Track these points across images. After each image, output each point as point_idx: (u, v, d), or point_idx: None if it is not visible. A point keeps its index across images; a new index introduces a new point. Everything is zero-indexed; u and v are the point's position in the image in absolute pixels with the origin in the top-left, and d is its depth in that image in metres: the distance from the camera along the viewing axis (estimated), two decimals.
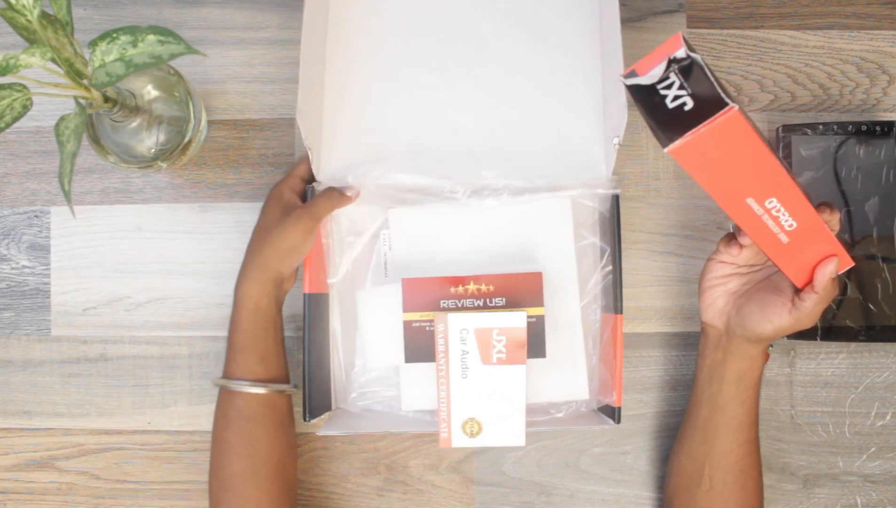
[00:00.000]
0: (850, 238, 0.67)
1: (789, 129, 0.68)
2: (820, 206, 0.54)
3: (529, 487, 0.70)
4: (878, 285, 0.67)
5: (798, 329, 0.57)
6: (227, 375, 0.62)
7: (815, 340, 0.67)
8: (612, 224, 0.64)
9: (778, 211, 0.51)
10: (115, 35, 0.52)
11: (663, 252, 0.71)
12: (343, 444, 0.71)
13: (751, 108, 0.71)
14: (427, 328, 0.64)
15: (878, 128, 0.67)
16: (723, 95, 0.45)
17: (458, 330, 0.62)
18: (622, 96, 0.59)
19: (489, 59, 0.69)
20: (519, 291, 0.64)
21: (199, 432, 0.71)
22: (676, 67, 0.45)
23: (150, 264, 0.72)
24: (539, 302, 0.64)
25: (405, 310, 0.65)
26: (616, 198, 0.64)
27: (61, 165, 0.53)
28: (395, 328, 0.66)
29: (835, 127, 0.67)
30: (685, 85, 0.45)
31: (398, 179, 0.65)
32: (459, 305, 0.64)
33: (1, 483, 0.71)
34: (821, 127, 0.67)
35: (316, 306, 0.66)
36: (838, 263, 0.55)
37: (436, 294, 0.64)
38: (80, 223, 0.72)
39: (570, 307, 0.67)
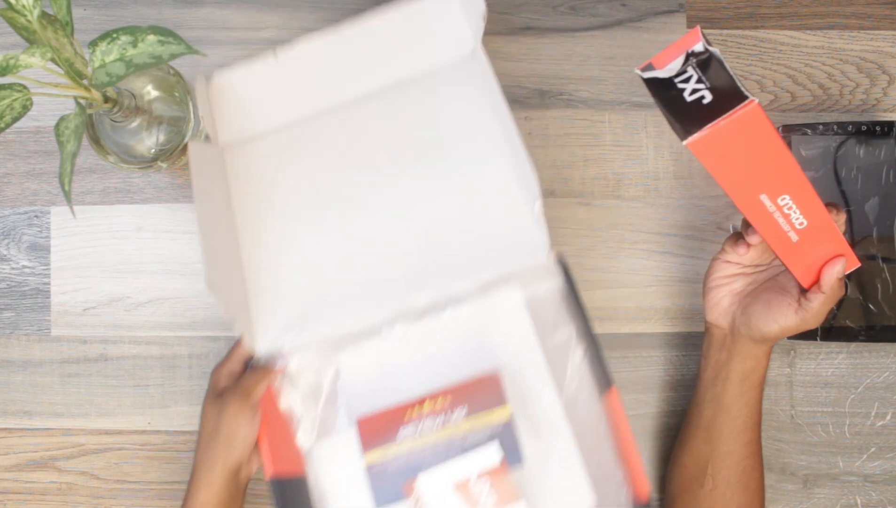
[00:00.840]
0: (850, 238, 0.67)
1: (789, 129, 0.68)
2: (827, 206, 0.54)
3: None
4: (878, 285, 0.67)
5: (804, 330, 0.57)
6: None
7: (815, 340, 0.67)
8: (571, 299, 0.60)
9: (790, 209, 0.51)
10: (115, 35, 0.52)
11: (663, 252, 0.71)
12: None
13: None
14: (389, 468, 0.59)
15: (878, 128, 0.67)
16: (743, 88, 0.45)
17: (435, 497, 0.56)
18: (529, 163, 0.57)
19: (401, 171, 0.65)
20: (478, 396, 0.59)
21: None
22: (695, 60, 0.46)
23: (150, 264, 0.72)
24: (501, 401, 0.59)
25: (364, 450, 0.59)
26: (565, 270, 0.61)
27: (61, 166, 0.53)
28: (360, 475, 0.60)
29: (835, 127, 0.67)
30: (703, 79, 0.45)
31: (337, 328, 0.62)
32: (418, 429, 0.59)
33: (1, 483, 0.71)
34: (821, 127, 0.67)
35: (288, 493, 0.59)
36: (846, 263, 0.55)
37: (393, 425, 0.59)
38: (80, 223, 0.72)
39: (547, 405, 0.60)
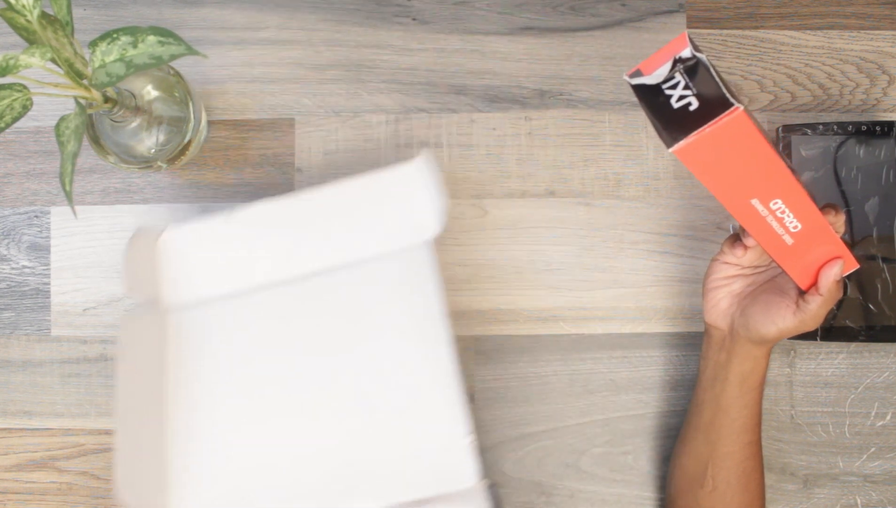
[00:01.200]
0: (850, 238, 0.67)
1: (789, 129, 0.68)
2: (825, 207, 0.54)
3: (529, 487, 0.70)
4: (878, 286, 0.67)
5: (802, 331, 0.57)
6: None
7: (815, 340, 0.67)
8: None
9: (783, 213, 0.51)
10: (115, 35, 0.52)
11: (663, 252, 0.71)
12: None
13: (751, 108, 0.71)
14: None
15: (878, 128, 0.67)
16: (728, 95, 0.44)
17: None
18: (460, 391, 0.57)
19: (335, 371, 0.61)
20: None
21: None
22: (682, 66, 0.45)
23: None
24: None
25: None
26: (496, 502, 0.57)
27: (62, 166, 0.53)
28: None
29: (835, 127, 0.67)
30: (690, 85, 0.45)
31: None
32: None
33: (1, 483, 0.71)
34: (821, 127, 0.67)
35: None
36: (843, 265, 0.55)
37: None
38: (80, 223, 0.72)
39: None
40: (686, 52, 0.45)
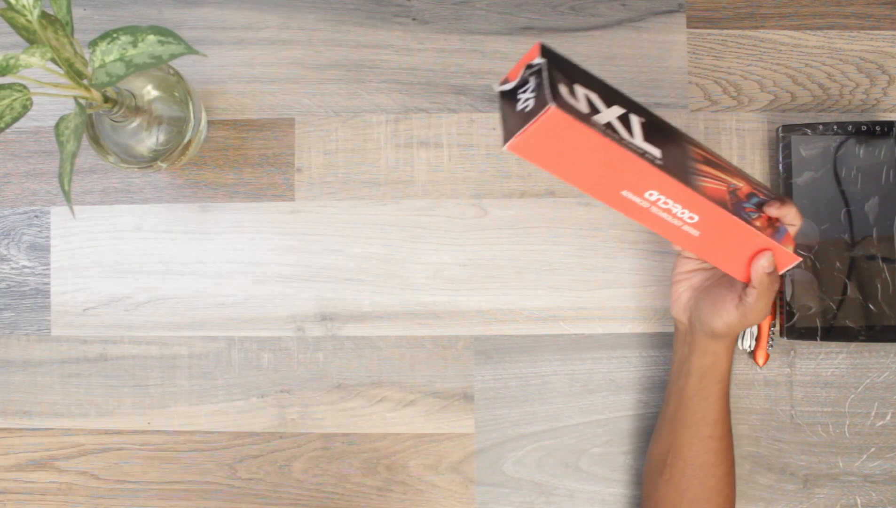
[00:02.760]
0: (850, 238, 0.67)
1: (789, 129, 0.68)
2: (771, 201, 0.54)
3: (529, 487, 0.70)
4: (878, 285, 0.67)
5: (747, 325, 0.57)
6: None
7: (815, 340, 0.67)
8: None
9: (666, 204, 0.51)
10: (115, 35, 0.52)
11: (663, 252, 0.71)
12: (343, 444, 0.71)
13: (751, 108, 0.71)
14: None
15: (878, 128, 0.67)
16: (549, 94, 0.45)
17: None
18: None
19: None
20: None
21: (199, 432, 0.71)
22: (530, 72, 0.47)
23: (150, 264, 0.72)
24: None
25: None
26: None
27: (61, 166, 0.53)
28: None
29: (835, 127, 0.67)
30: (534, 88, 0.47)
31: None
32: None
33: (1, 483, 0.71)
34: (821, 127, 0.67)
35: None
36: (772, 257, 0.54)
37: None
38: (80, 223, 0.72)
39: None
40: (537, 60, 0.47)
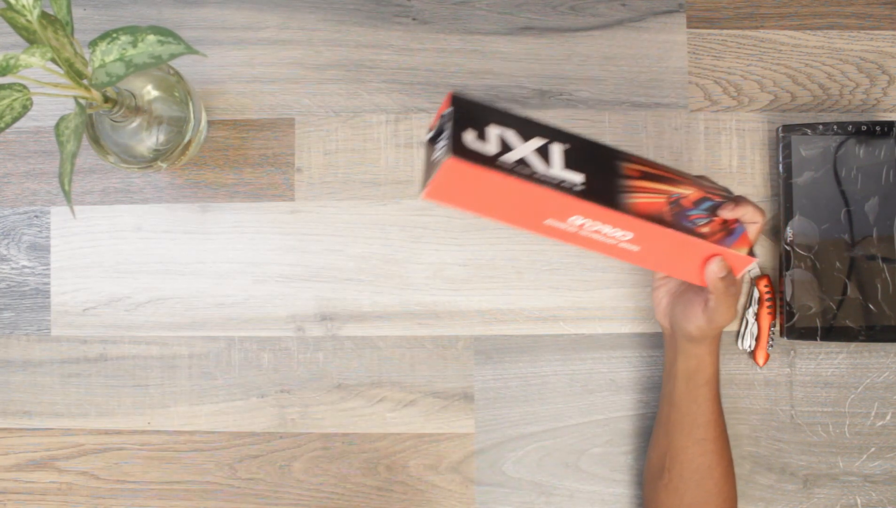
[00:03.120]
0: (850, 238, 0.67)
1: (789, 129, 0.68)
2: (725, 204, 0.55)
3: (529, 487, 0.70)
4: (878, 285, 0.67)
5: (716, 329, 0.58)
6: None
7: (815, 340, 0.67)
8: None
9: (594, 225, 0.52)
10: (115, 35, 0.52)
11: None
12: (343, 444, 0.71)
13: (751, 108, 0.71)
14: None
15: (878, 128, 0.67)
16: (449, 145, 0.47)
17: None
18: None
19: None
20: None
21: (199, 432, 0.71)
22: (443, 121, 0.50)
23: (150, 264, 0.72)
24: None
25: None
26: None
27: (61, 166, 0.53)
28: None
29: (835, 127, 0.67)
30: (445, 137, 0.49)
31: None
32: None
33: (1, 483, 0.71)
34: (821, 127, 0.67)
35: None
36: (721, 261, 0.54)
37: None
38: (80, 223, 0.72)
39: None
40: (447, 109, 0.50)
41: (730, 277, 0.55)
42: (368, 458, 0.71)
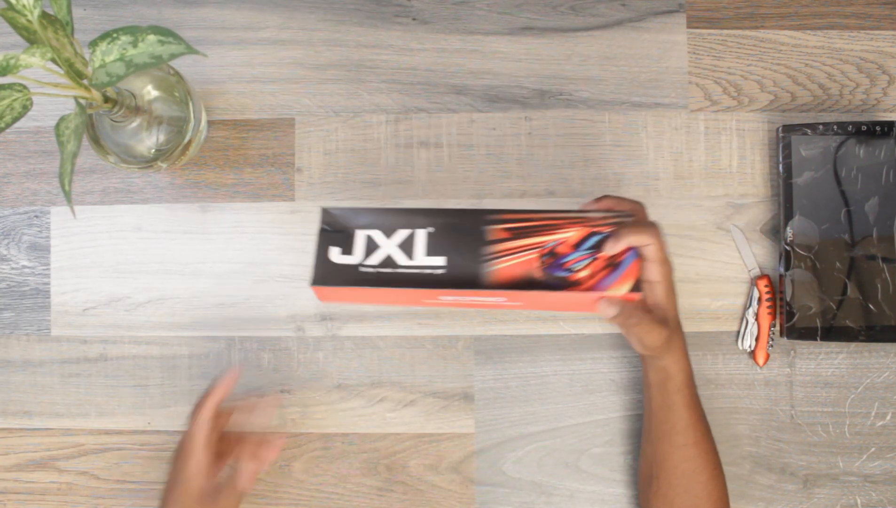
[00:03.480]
0: (850, 238, 0.67)
1: (789, 129, 0.68)
2: (608, 237, 0.53)
3: (529, 487, 0.70)
4: (878, 285, 0.67)
5: (649, 350, 0.58)
6: None
7: (815, 340, 0.67)
8: None
9: (467, 298, 0.55)
10: (115, 35, 0.52)
11: None
12: (343, 444, 0.71)
13: (751, 108, 0.71)
14: None
15: (878, 128, 0.67)
16: (313, 272, 0.54)
17: None
18: None
19: None
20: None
21: None
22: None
23: (150, 264, 0.72)
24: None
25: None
26: None
27: (62, 166, 0.53)
28: None
29: (835, 127, 0.67)
30: (314, 259, 0.55)
31: None
32: None
33: (1, 483, 0.71)
34: (821, 127, 0.67)
35: None
36: (606, 302, 0.54)
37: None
38: (80, 223, 0.72)
39: None
40: (318, 228, 0.55)
41: (625, 311, 0.54)
42: (368, 458, 0.71)
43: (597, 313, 0.55)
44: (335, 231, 0.55)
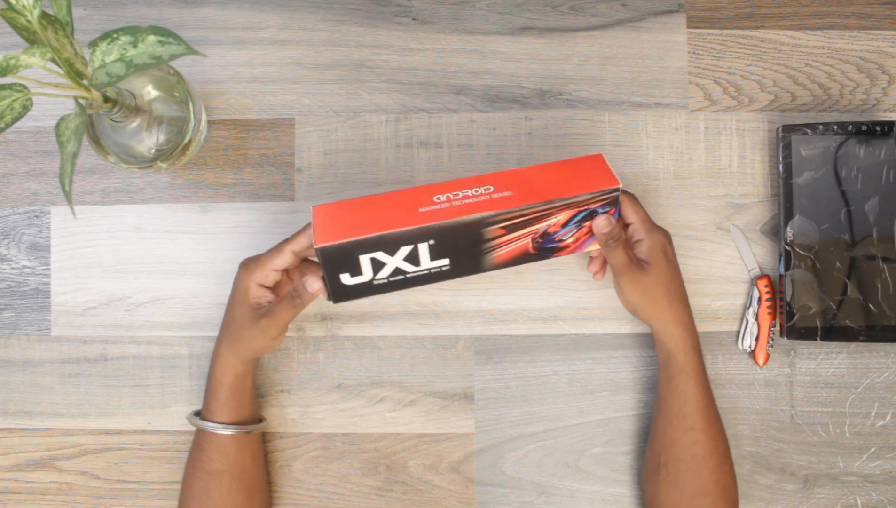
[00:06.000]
0: (850, 238, 0.67)
1: (789, 129, 0.68)
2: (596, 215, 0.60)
3: (529, 487, 0.70)
4: (879, 286, 0.67)
5: (626, 304, 0.64)
6: (204, 416, 0.65)
7: (815, 340, 0.67)
8: None
9: (457, 192, 0.59)
10: (115, 35, 0.52)
11: None
12: (343, 444, 0.71)
13: (751, 108, 0.71)
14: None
15: (878, 128, 0.67)
16: (331, 296, 0.60)
17: None
18: None
19: None
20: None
21: None
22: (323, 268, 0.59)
23: (150, 264, 0.72)
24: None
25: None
26: None
27: (62, 166, 0.53)
28: None
29: (835, 127, 0.67)
30: (329, 287, 0.60)
31: None
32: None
33: (1, 483, 0.71)
34: (821, 127, 0.67)
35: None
36: (602, 218, 0.61)
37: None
38: (80, 223, 0.72)
39: None
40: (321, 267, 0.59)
41: (613, 232, 0.60)
42: (368, 458, 0.71)
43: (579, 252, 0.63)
44: (337, 263, 0.58)
